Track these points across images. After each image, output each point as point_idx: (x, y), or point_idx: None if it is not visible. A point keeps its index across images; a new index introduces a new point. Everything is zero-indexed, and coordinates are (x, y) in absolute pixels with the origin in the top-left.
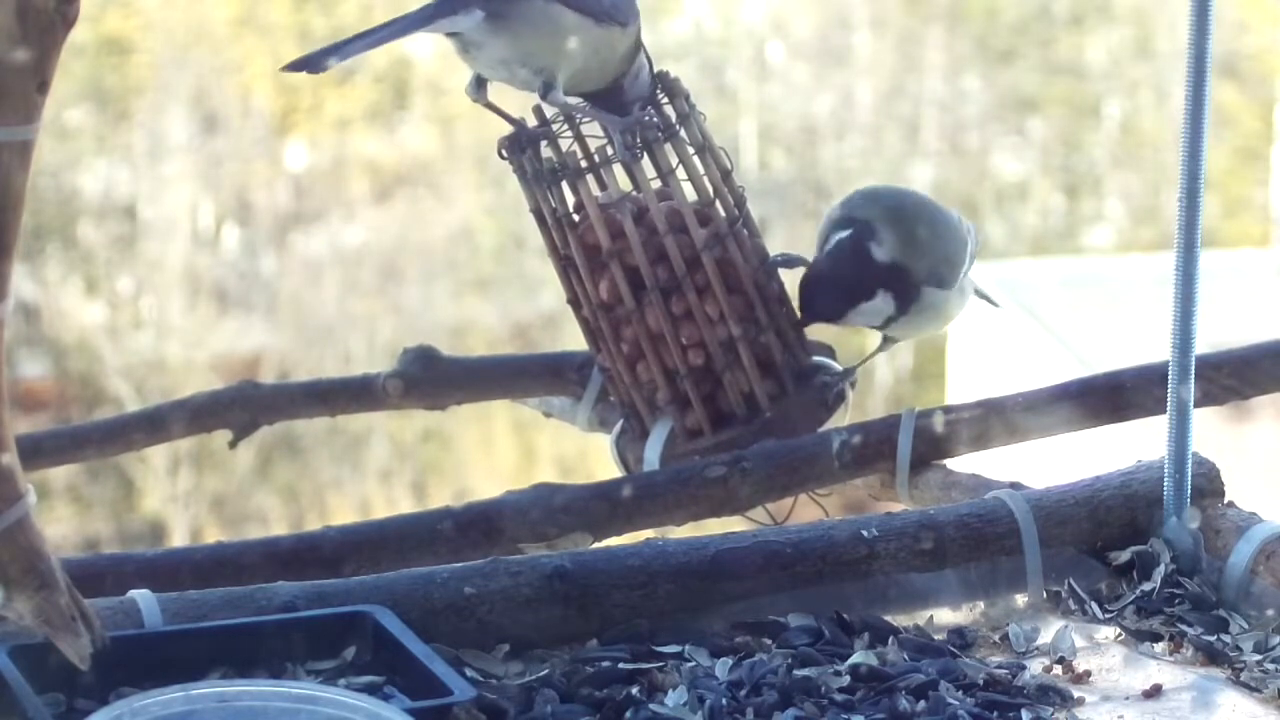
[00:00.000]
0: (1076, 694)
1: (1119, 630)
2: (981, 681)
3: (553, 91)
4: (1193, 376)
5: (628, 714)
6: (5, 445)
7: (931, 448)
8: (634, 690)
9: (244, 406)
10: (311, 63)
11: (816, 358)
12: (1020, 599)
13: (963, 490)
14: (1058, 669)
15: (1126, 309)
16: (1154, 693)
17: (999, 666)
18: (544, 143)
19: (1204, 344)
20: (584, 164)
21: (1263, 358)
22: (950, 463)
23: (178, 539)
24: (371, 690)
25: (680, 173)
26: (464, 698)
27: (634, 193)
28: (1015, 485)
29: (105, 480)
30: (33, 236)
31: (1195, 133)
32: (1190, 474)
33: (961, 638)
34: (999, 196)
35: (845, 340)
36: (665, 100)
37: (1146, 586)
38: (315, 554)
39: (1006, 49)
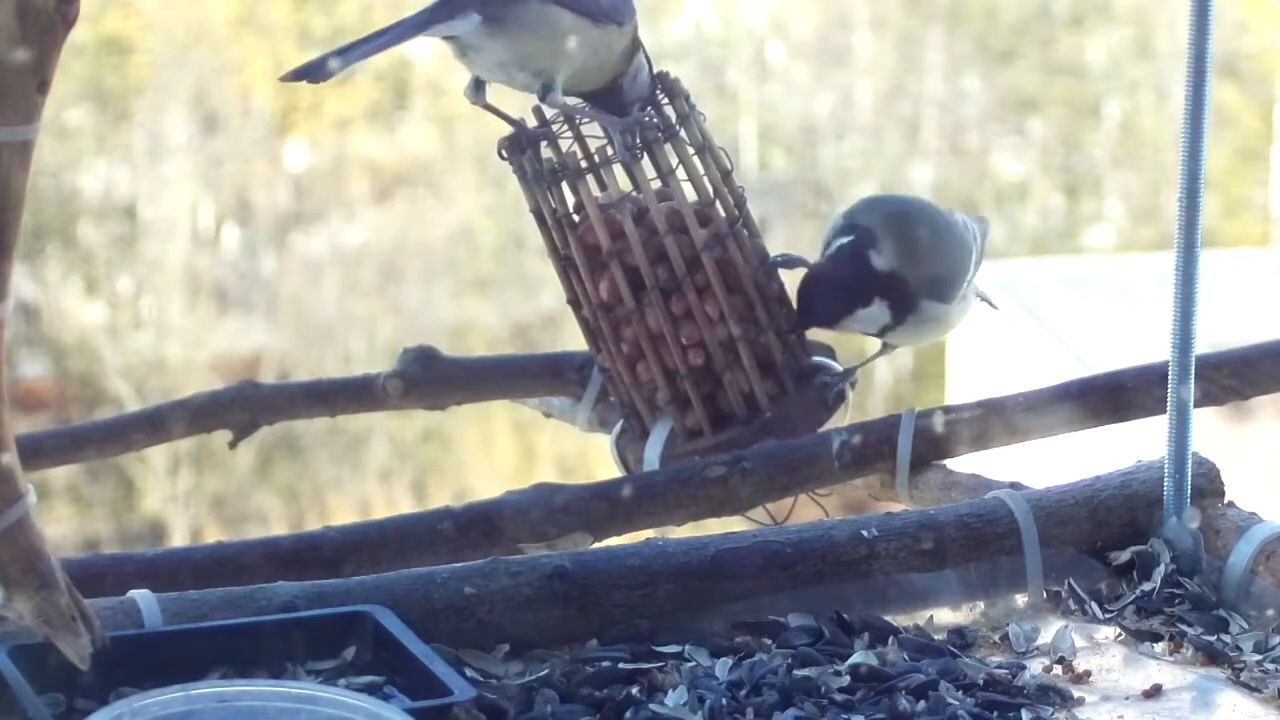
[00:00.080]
0: (1076, 694)
1: (1119, 630)
2: (981, 681)
3: (551, 93)
4: (1193, 376)
5: (628, 714)
6: (5, 445)
7: (931, 448)
8: (634, 690)
9: (244, 406)
10: (311, 72)
11: (816, 358)
12: (1020, 599)
13: (963, 490)
14: (1058, 669)
15: (1126, 309)
16: (1154, 693)
17: (999, 666)
18: (544, 143)
19: (1204, 344)
20: (584, 164)
21: (1263, 358)
22: (950, 463)
23: (178, 539)
24: (371, 690)
25: (680, 173)
26: (464, 698)
27: (634, 193)
28: (1015, 485)
29: (105, 480)
30: (33, 236)
31: (1195, 133)
32: (1190, 474)
33: (961, 638)
34: (999, 196)
35: (845, 341)
36: (665, 100)
37: (1146, 586)
38: (315, 554)
39: (1006, 49)
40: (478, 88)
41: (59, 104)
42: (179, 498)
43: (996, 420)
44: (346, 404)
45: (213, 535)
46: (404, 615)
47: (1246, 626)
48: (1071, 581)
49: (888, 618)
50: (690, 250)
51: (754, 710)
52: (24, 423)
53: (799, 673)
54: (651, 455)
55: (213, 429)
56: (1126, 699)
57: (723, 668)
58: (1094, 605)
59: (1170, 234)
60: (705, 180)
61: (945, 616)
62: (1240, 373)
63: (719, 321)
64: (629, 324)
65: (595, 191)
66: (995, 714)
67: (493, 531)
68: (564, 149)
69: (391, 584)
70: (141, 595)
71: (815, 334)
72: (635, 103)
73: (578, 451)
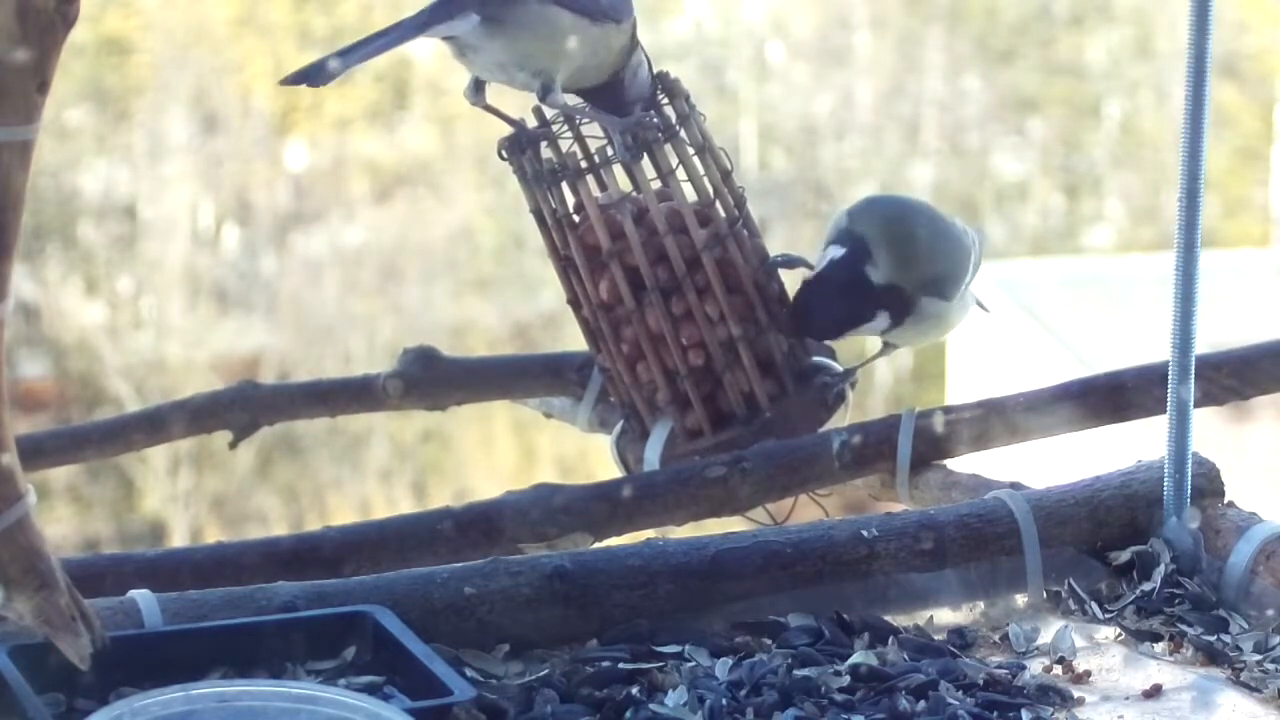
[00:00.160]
0: (1076, 694)
1: (1119, 630)
2: (981, 681)
3: (551, 93)
4: (1193, 376)
5: (628, 714)
6: (5, 445)
7: (931, 448)
8: (634, 690)
9: (244, 407)
10: (311, 74)
11: (816, 358)
12: (1020, 599)
13: (963, 490)
14: (1058, 669)
15: (1126, 309)
16: (1154, 693)
17: (999, 666)
18: (544, 143)
19: (1204, 344)
20: (584, 164)
21: (1263, 358)
22: (950, 463)
23: (178, 539)
24: (371, 690)
25: (680, 173)
26: (464, 698)
27: (634, 193)
28: (1015, 485)
29: (105, 480)
30: (33, 236)
31: (1195, 133)
32: (1190, 474)
33: (961, 638)
34: (999, 196)
35: (845, 341)
36: (665, 101)
37: (1146, 586)
38: (315, 554)
39: (1006, 49)
40: (477, 88)
41: (59, 104)
42: (179, 498)
43: (996, 420)
44: (346, 404)
45: (213, 535)
46: (404, 615)
47: (1246, 626)
48: (1071, 581)
49: (888, 618)
50: (690, 250)
51: (754, 710)
52: (24, 423)
53: (799, 673)
54: (651, 455)
55: (213, 429)
56: (1126, 699)
57: (723, 668)
58: (1094, 605)
59: (1170, 234)
60: (705, 180)
61: (945, 616)
62: (1240, 373)
63: (719, 322)
64: (629, 324)
65: (595, 191)
66: (995, 714)
67: (493, 531)
68: (564, 149)
69: (391, 584)
70: (141, 595)
71: None
72: (635, 101)
73: (578, 451)
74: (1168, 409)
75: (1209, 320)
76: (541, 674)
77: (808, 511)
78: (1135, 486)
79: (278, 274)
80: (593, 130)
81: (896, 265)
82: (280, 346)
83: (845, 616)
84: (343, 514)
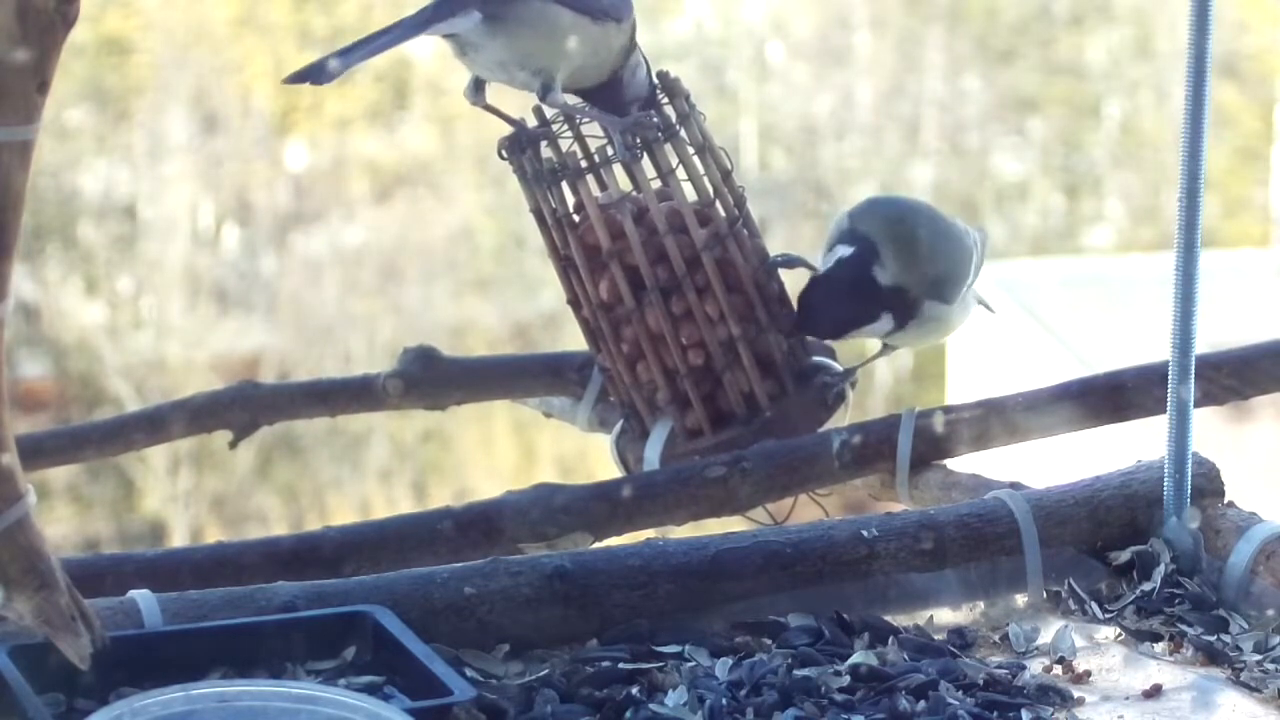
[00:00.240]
0: (1076, 694)
1: (1119, 630)
2: (981, 681)
3: (551, 92)
4: (1193, 376)
5: (628, 714)
6: (5, 445)
7: (931, 448)
8: (634, 690)
9: (244, 406)
10: (312, 74)
11: (816, 358)
12: (1020, 599)
13: (963, 490)
14: (1058, 669)
15: (1126, 309)
16: (1154, 693)
17: (999, 666)
18: (544, 143)
19: (1204, 344)
20: (584, 164)
21: (1263, 358)
22: (950, 463)
23: (178, 539)
24: (371, 690)
25: (680, 173)
26: (464, 698)
27: (634, 193)
28: (1015, 485)
29: (105, 480)
30: (33, 236)
31: (1195, 133)
32: (1190, 474)
33: (961, 638)
34: (999, 196)
35: (846, 341)
36: (665, 100)
37: (1146, 586)
38: (315, 554)
39: (1006, 49)
40: (477, 88)
41: (59, 104)
42: (179, 498)
43: (996, 420)
44: (346, 404)
45: (213, 535)
46: (404, 615)
47: (1246, 626)
48: (1071, 581)
49: (888, 618)
50: (690, 250)
51: (754, 710)
52: (24, 423)
53: (799, 673)
54: (651, 455)
55: (213, 429)
56: (1126, 699)
57: (723, 668)
58: (1094, 605)
59: (1170, 234)
60: (705, 180)
61: (945, 616)
62: (1240, 373)
63: (719, 321)
64: (629, 324)
65: (595, 191)
66: (995, 714)
67: (493, 531)
68: (564, 149)
69: (391, 584)
70: (141, 595)
71: None
72: (633, 101)
73: (578, 451)
74: (1168, 409)
75: (1209, 320)
76: (541, 674)
77: (808, 511)
78: (1135, 486)
79: (278, 274)
80: (593, 130)
81: (903, 266)
82: (280, 346)
83: (845, 616)
84: (343, 514)
